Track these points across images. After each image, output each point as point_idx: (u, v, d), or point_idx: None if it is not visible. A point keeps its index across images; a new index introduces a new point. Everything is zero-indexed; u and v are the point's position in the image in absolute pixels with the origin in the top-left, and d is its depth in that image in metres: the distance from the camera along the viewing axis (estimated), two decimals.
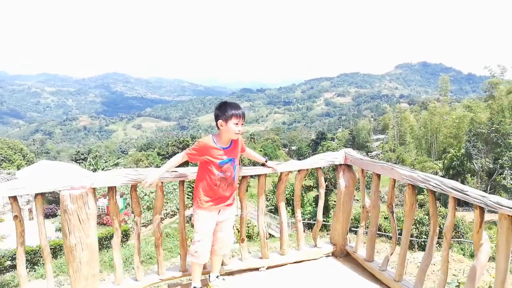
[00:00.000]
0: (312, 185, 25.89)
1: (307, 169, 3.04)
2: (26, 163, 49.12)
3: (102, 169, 34.64)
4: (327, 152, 3.17)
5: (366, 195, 2.99)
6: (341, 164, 3.10)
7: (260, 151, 72.43)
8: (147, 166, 44.11)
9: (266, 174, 2.91)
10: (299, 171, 3.02)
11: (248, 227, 19.04)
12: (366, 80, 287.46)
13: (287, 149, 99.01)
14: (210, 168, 2.52)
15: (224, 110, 2.46)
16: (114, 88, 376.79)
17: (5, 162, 52.08)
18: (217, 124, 2.50)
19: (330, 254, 3.18)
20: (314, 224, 3.32)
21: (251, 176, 2.94)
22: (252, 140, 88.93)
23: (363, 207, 2.98)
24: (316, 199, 25.82)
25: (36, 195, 2.34)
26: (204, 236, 2.56)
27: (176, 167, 2.66)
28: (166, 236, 17.98)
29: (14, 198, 2.29)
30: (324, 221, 22.84)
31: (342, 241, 3.17)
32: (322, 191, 3.14)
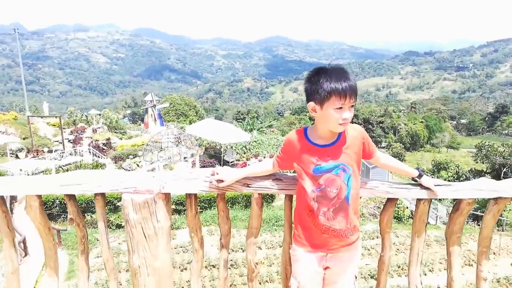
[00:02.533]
0: (485, 170, 21.43)
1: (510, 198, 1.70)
2: (198, 119, 55.97)
3: (258, 130, 36.50)
4: None
5: None
6: None
7: (421, 122, 65.04)
8: None
9: (429, 199, 1.71)
10: (495, 199, 1.71)
11: (398, 208, 17.03)
12: None
13: (454, 122, 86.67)
14: (302, 182, 1.54)
15: (316, 84, 1.40)
16: (275, 52, 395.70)
17: (182, 116, 60.77)
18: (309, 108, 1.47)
19: None
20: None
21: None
22: (413, 110, 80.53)
23: None
24: None
25: (96, 195, 1.78)
26: (302, 285, 1.63)
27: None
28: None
29: (70, 197, 1.77)
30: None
31: None
32: None
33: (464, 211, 1.73)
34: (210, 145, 23.92)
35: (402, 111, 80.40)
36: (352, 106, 1.42)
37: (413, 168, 1.71)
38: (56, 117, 25.27)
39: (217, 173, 1.67)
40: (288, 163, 1.61)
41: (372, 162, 1.65)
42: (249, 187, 1.73)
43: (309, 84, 1.45)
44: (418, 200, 1.73)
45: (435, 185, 1.66)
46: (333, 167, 1.49)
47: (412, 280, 1.81)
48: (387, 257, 1.82)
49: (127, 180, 1.72)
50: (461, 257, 9.50)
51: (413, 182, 1.72)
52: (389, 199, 1.74)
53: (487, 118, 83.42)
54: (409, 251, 1.81)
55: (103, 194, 1.79)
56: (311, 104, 1.45)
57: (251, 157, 20.99)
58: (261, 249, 11.30)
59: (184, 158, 20.38)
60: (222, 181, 1.65)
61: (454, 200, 1.74)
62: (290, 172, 1.80)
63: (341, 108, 1.39)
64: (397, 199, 1.74)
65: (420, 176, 1.67)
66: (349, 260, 1.62)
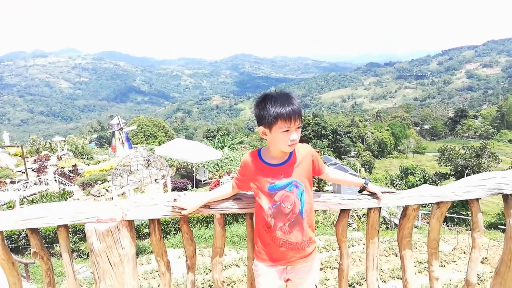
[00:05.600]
0: (449, 172, 22.36)
1: (451, 202, 1.86)
2: (168, 139, 55.30)
3: (229, 147, 36.45)
4: (488, 173, 1.90)
5: None
6: None
7: (387, 130, 67.30)
8: None
9: (379, 208, 1.85)
10: (437, 203, 1.87)
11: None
12: None
13: (418, 128, 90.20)
14: (259, 200, 1.63)
15: (263, 110, 1.51)
16: (242, 69, 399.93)
17: (151, 137, 59.88)
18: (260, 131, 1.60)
19: None
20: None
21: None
22: (378, 118, 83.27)
23: None
24: None
25: (58, 227, 1.80)
26: None
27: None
28: None
29: (32, 230, 1.78)
30: (463, 214, 19.66)
31: None
32: (479, 238, 1.91)
33: (411, 217, 1.87)
34: (181, 165, 23.69)
35: (368, 120, 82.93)
36: (299, 127, 1.54)
37: (360, 178, 1.86)
38: (17, 146, 24.31)
39: (179, 199, 1.73)
40: (246, 184, 1.70)
41: (322, 178, 1.77)
42: (211, 209, 1.80)
43: (257, 110, 1.55)
44: (369, 209, 1.86)
45: (382, 193, 1.80)
46: (287, 184, 1.59)
47: (370, 285, 1.92)
48: (346, 265, 1.93)
49: (89, 210, 1.76)
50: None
51: (363, 191, 1.85)
52: (342, 211, 1.87)
53: (448, 123, 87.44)
54: (365, 258, 1.93)
55: (65, 226, 1.80)
56: (261, 128, 1.56)
57: (224, 175, 20.93)
58: (239, 266, 11.21)
59: (155, 180, 20.03)
60: (184, 208, 1.72)
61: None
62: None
63: (288, 130, 1.50)
64: (350, 210, 1.86)
65: (366, 183, 1.81)
66: (308, 271, 1.71)
